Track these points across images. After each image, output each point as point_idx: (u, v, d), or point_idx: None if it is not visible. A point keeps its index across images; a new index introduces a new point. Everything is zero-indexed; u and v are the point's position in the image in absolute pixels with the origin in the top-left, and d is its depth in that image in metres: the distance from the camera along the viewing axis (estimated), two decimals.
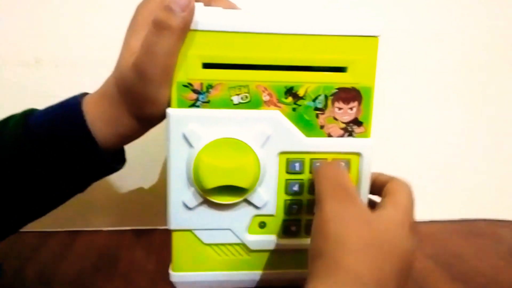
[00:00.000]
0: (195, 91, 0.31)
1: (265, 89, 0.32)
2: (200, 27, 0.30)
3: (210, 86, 0.31)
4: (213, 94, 0.31)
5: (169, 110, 0.31)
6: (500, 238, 0.49)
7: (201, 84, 0.31)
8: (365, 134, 0.34)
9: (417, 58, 0.51)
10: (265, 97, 0.32)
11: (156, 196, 0.50)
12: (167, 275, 0.36)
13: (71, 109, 0.31)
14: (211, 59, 0.31)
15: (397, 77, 0.51)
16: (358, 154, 0.34)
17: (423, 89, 0.52)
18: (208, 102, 0.31)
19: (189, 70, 0.30)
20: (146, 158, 0.48)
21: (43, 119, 0.31)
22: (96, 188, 0.47)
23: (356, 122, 0.33)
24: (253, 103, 0.32)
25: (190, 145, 0.31)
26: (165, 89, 0.30)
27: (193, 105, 0.31)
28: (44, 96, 0.39)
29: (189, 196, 0.32)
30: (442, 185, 0.54)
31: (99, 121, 0.31)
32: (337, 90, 0.32)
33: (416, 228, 0.29)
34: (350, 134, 0.33)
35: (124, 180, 0.49)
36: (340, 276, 0.24)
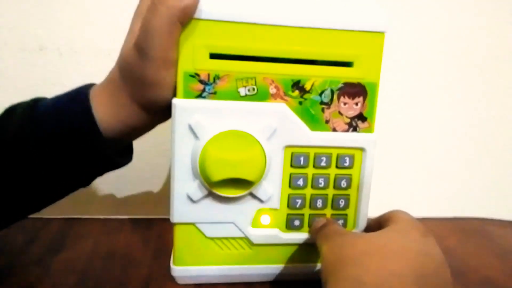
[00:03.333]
0: (202, 81, 0.30)
1: (272, 81, 0.31)
2: (208, 17, 0.29)
3: (217, 77, 0.31)
4: (220, 85, 0.31)
5: (174, 101, 0.30)
6: (491, 236, 0.50)
7: (208, 74, 0.30)
8: (369, 130, 0.34)
9: (421, 56, 0.52)
10: (272, 90, 0.32)
11: (155, 186, 0.49)
12: (164, 264, 0.35)
13: (77, 97, 0.31)
14: (219, 49, 0.30)
15: (399, 75, 0.51)
16: (361, 149, 0.34)
17: (422, 87, 0.52)
18: (214, 93, 0.31)
19: (196, 60, 0.30)
20: (146, 148, 0.48)
21: (50, 108, 0.31)
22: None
23: (361, 117, 0.33)
24: (259, 95, 0.31)
25: (196, 136, 0.31)
26: (165, 71, 0.29)
27: (199, 96, 0.31)
28: (48, 83, 0.39)
29: (194, 188, 0.32)
30: (437, 183, 0.55)
31: (104, 109, 0.30)
32: (343, 85, 0.32)
33: (428, 232, 0.29)
34: (355, 129, 0.34)
35: (123, 169, 0.48)
36: None
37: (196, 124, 0.30)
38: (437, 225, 0.52)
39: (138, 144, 0.46)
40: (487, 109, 0.54)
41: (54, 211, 0.45)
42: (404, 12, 0.50)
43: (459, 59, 0.52)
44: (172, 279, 0.35)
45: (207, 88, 0.31)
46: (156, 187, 0.49)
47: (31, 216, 0.44)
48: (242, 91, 0.31)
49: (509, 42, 0.53)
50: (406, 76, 0.52)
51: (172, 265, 0.34)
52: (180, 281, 0.35)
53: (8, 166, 0.30)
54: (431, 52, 0.52)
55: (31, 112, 0.30)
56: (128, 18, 0.31)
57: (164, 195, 0.49)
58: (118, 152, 0.32)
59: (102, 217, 0.48)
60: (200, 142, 0.30)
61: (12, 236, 0.42)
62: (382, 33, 0.32)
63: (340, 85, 0.32)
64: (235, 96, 0.31)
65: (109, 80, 0.31)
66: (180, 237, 0.33)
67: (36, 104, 0.31)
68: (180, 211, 0.32)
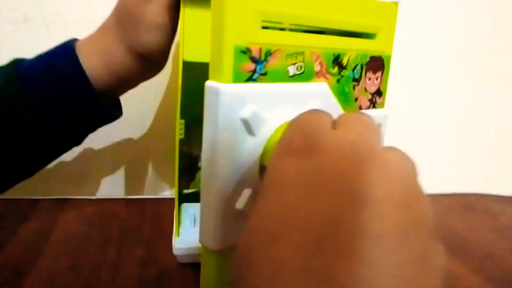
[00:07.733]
0: (253, 59, 0.23)
1: (318, 57, 0.26)
2: None
3: (268, 53, 0.23)
4: (271, 64, 0.24)
5: (220, 86, 0.22)
6: (491, 212, 0.50)
7: (260, 50, 0.23)
8: (382, 105, 0.33)
9: (434, 26, 0.50)
10: (317, 67, 0.26)
11: (149, 165, 0.47)
12: (161, 244, 0.36)
13: (63, 51, 0.30)
14: (272, 16, 0.23)
15: (408, 48, 0.50)
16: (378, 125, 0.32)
17: (428, 61, 0.51)
18: (265, 74, 0.24)
19: (248, 30, 0.22)
20: (140, 127, 0.46)
21: (35, 65, 0.30)
22: (88, 156, 0.46)
23: (379, 92, 0.32)
24: (306, 74, 0.26)
25: (251, 132, 0.23)
26: (166, 14, 0.30)
27: (249, 79, 0.23)
28: (33, 55, 0.31)
29: (247, 200, 0.24)
30: (436, 159, 0.54)
31: (92, 59, 0.30)
32: (369, 59, 0.30)
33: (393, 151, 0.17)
34: (373, 105, 0.32)
35: (117, 148, 0.46)
36: None
37: (252, 116, 0.23)
38: (436, 201, 0.49)
39: (134, 123, 0.44)
40: (491, 85, 0.53)
41: (44, 192, 0.45)
42: None
43: (470, 34, 0.51)
44: (171, 258, 0.34)
45: (258, 67, 0.23)
46: (150, 166, 0.47)
47: (22, 197, 0.43)
48: (291, 70, 0.25)
49: None
50: (411, 49, 0.50)
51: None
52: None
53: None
54: (442, 26, 0.50)
55: (16, 72, 0.29)
56: None
57: (158, 175, 0.47)
58: (109, 106, 0.32)
59: (94, 197, 0.46)
60: (258, 140, 0.23)
61: (3, 218, 0.40)
62: (396, 3, 0.31)
63: (367, 59, 0.30)
64: (285, 76, 0.25)
65: (99, 30, 0.31)
66: (210, 265, 0.25)
67: (18, 65, 0.30)
68: (223, 232, 0.24)
